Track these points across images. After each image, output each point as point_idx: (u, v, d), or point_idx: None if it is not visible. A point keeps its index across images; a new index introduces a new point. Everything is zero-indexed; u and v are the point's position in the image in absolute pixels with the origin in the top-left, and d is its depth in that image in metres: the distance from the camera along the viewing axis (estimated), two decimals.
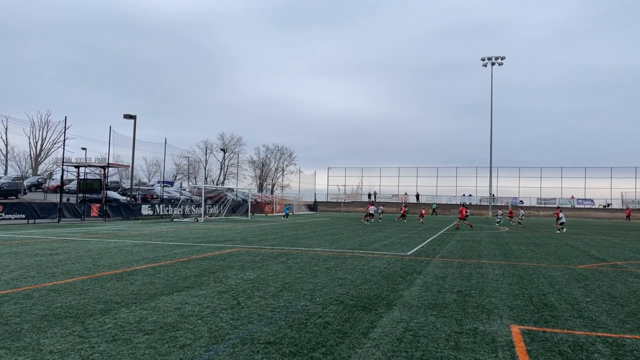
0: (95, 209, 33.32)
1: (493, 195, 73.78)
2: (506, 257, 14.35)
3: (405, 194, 77.30)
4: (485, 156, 71.07)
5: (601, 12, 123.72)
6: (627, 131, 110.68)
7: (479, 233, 26.42)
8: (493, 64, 67.70)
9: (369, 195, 77.69)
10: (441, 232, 26.63)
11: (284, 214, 46.14)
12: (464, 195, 78.02)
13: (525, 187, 77.62)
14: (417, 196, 73.38)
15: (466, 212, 30.89)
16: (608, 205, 73.00)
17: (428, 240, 20.17)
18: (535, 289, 9.02)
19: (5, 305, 6.92)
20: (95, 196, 37.20)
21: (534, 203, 74.29)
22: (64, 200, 33.05)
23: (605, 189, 75.25)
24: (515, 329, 6.12)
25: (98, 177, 38.08)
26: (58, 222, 29.38)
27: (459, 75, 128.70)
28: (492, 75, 67.74)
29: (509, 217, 41.46)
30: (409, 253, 15.06)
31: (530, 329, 6.15)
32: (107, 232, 22.31)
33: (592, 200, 74.29)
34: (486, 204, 70.40)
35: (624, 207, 68.93)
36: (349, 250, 15.54)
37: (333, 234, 23.28)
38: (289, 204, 50.95)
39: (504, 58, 67.48)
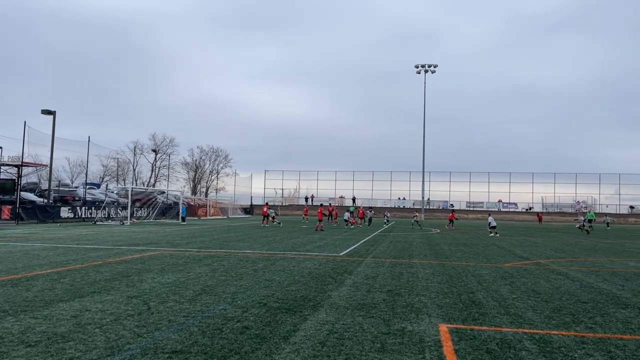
0: (6, 210, 30.55)
1: (428, 199, 76.07)
2: (437, 257, 14.40)
3: (342, 197, 77.92)
4: (418, 161, 73.21)
5: (527, 27, 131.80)
6: (547, 140, 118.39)
7: (411, 234, 26.77)
8: (426, 71, 69.90)
9: (306, 199, 77.55)
10: (375, 233, 26.72)
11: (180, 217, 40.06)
12: (399, 198, 79.84)
13: (455, 191, 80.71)
14: (354, 199, 74.12)
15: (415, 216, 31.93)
16: (530, 208, 77.44)
17: (362, 242, 20.05)
18: (464, 287, 8.93)
19: None
20: (8, 197, 34.14)
21: (463, 206, 77.32)
22: None
23: (528, 194, 79.86)
24: (444, 328, 5.85)
25: (10, 176, 34.98)
26: None
27: (395, 83, 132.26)
28: (425, 82, 69.93)
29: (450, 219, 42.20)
30: (341, 254, 14.76)
31: (459, 327, 5.91)
32: (17, 235, 20.34)
33: (515, 204, 78.53)
34: (419, 207, 72.37)
35: (544, 210, 73.45)
36: (280, 252, 15.00)
37: (266, 236, 22.63)
38: (185, 205, 43.00)
39: (437, 66, 69.88)
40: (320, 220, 29.19)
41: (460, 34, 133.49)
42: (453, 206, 73.49)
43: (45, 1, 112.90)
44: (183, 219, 38.85)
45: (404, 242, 20.67)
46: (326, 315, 6.39)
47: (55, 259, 12.05)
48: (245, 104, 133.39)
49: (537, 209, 76.10)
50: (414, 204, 76.43)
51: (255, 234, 24.32)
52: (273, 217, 35.25)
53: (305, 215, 45.32)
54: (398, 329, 5.76)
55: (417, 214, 41.80)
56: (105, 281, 8.72)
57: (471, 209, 77.08)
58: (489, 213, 32.14)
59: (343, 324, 5.94)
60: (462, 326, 5.99)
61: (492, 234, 27.89)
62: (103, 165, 71.65)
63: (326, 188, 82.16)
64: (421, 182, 72.11)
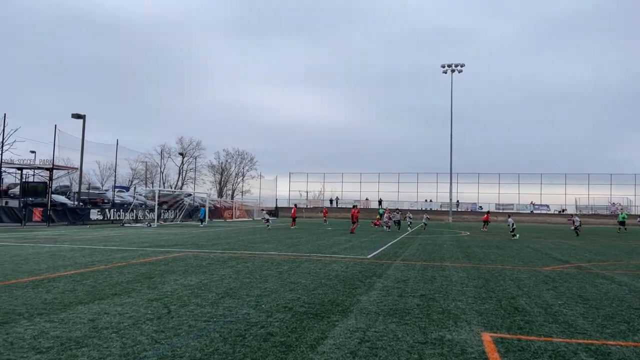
0: (37, 213, 31.07)
1: (458, 202, 74.58)
2: (470, 260, 13.76)
3: (367, 199, 77.14)
4: (445, 162, 71.82)
5: (551, 27, 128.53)
6: (580, 140, 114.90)
7: (440, 237, 26.02)
8: (453, 70, 68.64)
9: (331, 201, 77.08)
10: (403, 236, 26.07)
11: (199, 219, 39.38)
12: (425, 200, 78.58)
13: (484, 193, 78.92)
14: (380, 202, 73.24)
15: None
16: (563, 210, 75.08)
17: (389, 244, 19.48)
18: (503, 292, 8.33)
19: None
20: (40, 200, 34.80)
21: (492, 208, 75.51)
22: (7, 204, 30.67)
23: (560, 195, 77.45)
24: (487, 337, 5.32)
25: (44, 179, 35.67)
26: None
27: (420, 84, 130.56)
28: (452, 82, 68.66)
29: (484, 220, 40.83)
30: (369, 256, 14.25)
31: (504, 337, 5.37)
32: (46, 236, 20.53)
33: (547, 206, 76.24)
34: (446, 209, 71.02)
35: (578, 212, 71.08)
36: (305, 253, 14.59)
37: (291, 238, 22.28)
38: (203, 207, 41.74)
39: (464, 65, 68.55)
40: (354, 223, 28.69)
41: (487, 34, 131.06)
42: (482, 208, 71.84)
43: (75, 8, 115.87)
44: (202, 221, 38.75)
45: (433, 244, 20.00)
46: (356, 322, 5.93)
47: (80, 260, 11.93)
48: (270, 107, 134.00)
49: (571, 211, 73.73)
50: (441, 206, 75.08)
51: (280, 235, 24.00)
52: (267, 220, 35.00)
53: (325, 217, 45.08)
54: (436, 338, 5.26)
55: (426, 216, 40.70)
56: (127, 283, 8.46)
57: (501, 210, 75.18)
58: (509, 214, 30.62)
59: (375, 332, 5.47)
60: (508, 335, 5.44)
61: (514, 236, 26.38)
62: (132, 169, 72.73)
63: (351, 190, 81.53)
64: (449, 184, 70.75)
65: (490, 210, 53.65)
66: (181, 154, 75.78)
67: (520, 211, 73.79)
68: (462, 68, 68.57)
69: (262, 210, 34.75)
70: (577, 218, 31.93)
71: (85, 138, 37.26)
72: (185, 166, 78.57)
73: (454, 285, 9.03)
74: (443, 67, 69.03)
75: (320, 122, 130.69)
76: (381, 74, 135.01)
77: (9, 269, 10.03)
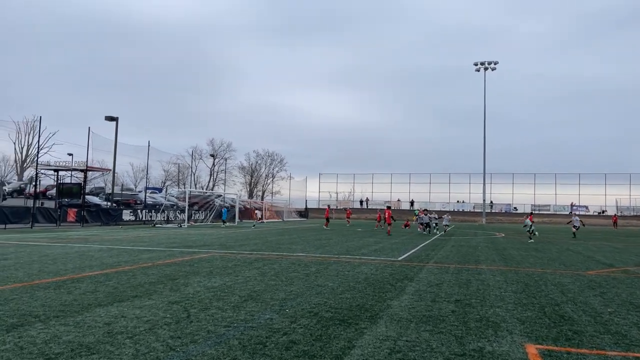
0: (72, 214, 31.71)
1: (491, 203, 72.70)
2: (507, 263, 13.07)
3: (398, 200, 76.05)
4: (478, 163, 70.07)
5: (591, 23, 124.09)
6: (620, 139, 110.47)
7: (475, 238, 25.16)
8: (486, 68, 66.94)
9: (361, 202, 76.37)
10: (435, 237, 25.34)
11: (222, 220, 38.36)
12: (457, 201, 76.97)
13: (519, 194, 76.68)
14: (412, 203, 72.13)
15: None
16: (603, 212, 72.20)
17: (421, 246, 18.86)
18: (546, 298, 7.72)
19: None
20: (75, 201, 35.57)
21: (528, 209, 73.23)
22: (43, 205, 31.45)
23: (600, 196, 74.50)
24: (533, 350, 4.80)
25: (79, 181, 36.46)
26: (31, 227, 27.76)
27: (451, 83, 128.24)
28: (485, 80, 66.97)
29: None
30: (400, 258, 13.74)
31: (551, 349, 4.83)
32: (78, 237, 20.80)
33: (586, 207, 73.43)
34: (480, 210, 69.33)
35: (618, 213, 68.18)
36: (334, 255, 14.19)
37: (320, 239, 21.91)
38: (226, 207, 41.04)
39: (497, 63, 66.76)
40: (389, 224, 28.18)
41: (518, 32, 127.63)
42: (517, 209, 69.94)
43: (111, 14, 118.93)
44: (224, 222, 38.70)
45: (467, 246, 19.26)
46: (386, 329, 5.49)
47: (107, 260, 11.87)
48: (299, 108, 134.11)
49: (611, 212, 70.80)
50: (474, 207, 73.34)
51: (309, 236, 23.66)
52: (260, 218, 34.58)
53: (348, 218, 44.62)
54: (475, 349, 4.77)
55: (446, 216, 39.00)
56: (150, 284, 8.25)
57: (537, 212, 72.87)
58: (528, 215, 28.45)
59: (407, 341, 5.02)
60: (555, 348, 4.90)
61: (531, 239, 23.94)
62: (164, 170, 73.90)
63: (381, 191, 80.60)
64: (482, 185, 69.02)
65: (520, 212, 51.99)
66: (212, 155, 76.58)
67: (557, 212, 71.39)
68: (496, 66, 66.83)
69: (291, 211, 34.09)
70: (576, 218, 30.04)
71: (118, 140, 37.96)
72: (216, 167, 79.42)
73: (492, 289, 8.46)
74: (476, 64, 67.40)
75: (349, 123, 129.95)
76: (412, 73, 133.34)
77: (35, 269, 10.01)
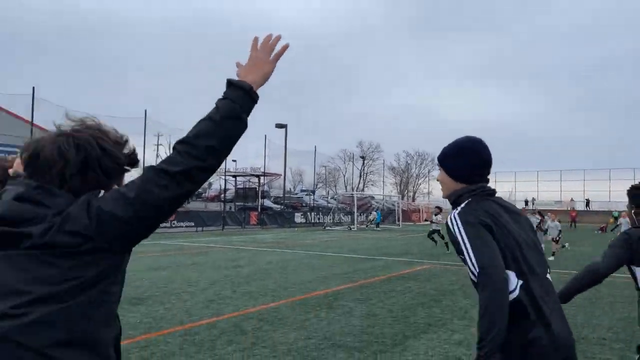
0: (253, 216, 33.86)
1: None
2: None
3: (572, 199, 68.28)
4: None
5: None
6: None
7: None
8: None
9: (526, 202, 70.31)
10: None
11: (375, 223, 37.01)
12: None
13: None
14: (587, 202, 64.43)
15: None
16: None
17: None
18: None
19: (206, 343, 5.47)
20: (252, 204, 38.14)
21: None
22: (230, 209, 34.16)
23: None
24: None
25: (254, 186, 39.08)
26: (222, 229, 30.15)
27: (620, 72, 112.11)
28: None
29: None
30: None
31: None
32: (272, 240, 21.74)
33: None
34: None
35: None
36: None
37: None
38: (379, 210, 40.03)
39: None
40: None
41: None
42: None
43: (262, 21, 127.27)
44: (377, 225, 37.84)
45: None
46: None
47: (335, 270, 11.70)
48: (446, 106, 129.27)
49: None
50: None
51: None
52: (439, 221, 31.45)
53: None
54: None
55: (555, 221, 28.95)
56: (438, 318, 7.57)
57: None
58: (547, 214, 19.21)
59: None
60: None
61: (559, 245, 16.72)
62: (316, 173, 76.57)
63: (548, 190, 73.33)
64: None
65: None
66: (362, 157, 77.30)
67: None
68: None
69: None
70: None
71: (281, 145, 39.82)
72: (365, 169, 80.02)
73: None
74: None
75: (503, 119, 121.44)
76: (574, 65, 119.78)
77: (280, 279, 10.06)
